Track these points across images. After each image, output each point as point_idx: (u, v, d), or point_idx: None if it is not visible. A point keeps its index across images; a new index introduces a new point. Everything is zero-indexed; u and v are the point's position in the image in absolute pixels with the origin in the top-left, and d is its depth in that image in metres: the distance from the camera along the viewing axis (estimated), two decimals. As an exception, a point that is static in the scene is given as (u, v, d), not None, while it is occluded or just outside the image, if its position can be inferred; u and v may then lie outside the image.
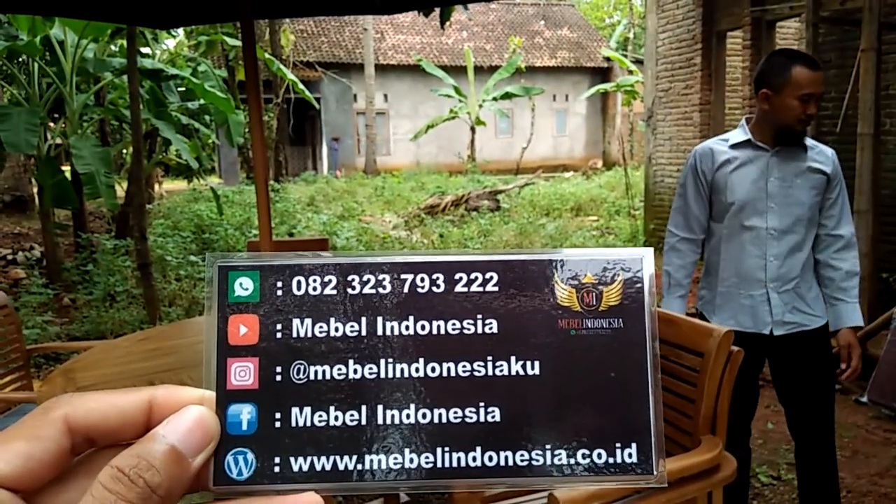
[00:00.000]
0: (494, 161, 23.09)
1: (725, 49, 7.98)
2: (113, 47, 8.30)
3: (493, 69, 22.47)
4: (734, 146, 2.36)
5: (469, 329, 0.38)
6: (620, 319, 0.39)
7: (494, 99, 21.35)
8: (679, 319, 2.18)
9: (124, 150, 12.96)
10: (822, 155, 2.35)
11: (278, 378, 0.38)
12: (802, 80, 2.21)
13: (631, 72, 19.14)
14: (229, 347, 0.38)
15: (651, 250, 0.40)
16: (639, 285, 0.39)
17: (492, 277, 0.39)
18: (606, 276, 0.39)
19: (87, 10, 3.41)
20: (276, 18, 15.34)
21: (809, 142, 2.33)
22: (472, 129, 22.27)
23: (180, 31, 15.52)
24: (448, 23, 5.44)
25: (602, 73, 25.33)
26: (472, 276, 0.39)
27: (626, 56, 20.82)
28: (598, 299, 0.39)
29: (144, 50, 9.13)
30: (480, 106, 21.95)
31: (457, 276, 0.39)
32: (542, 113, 24.53)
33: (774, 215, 2.33)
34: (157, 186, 15.25)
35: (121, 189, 8.62)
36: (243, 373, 0.38)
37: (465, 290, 0.39)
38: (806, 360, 2.38)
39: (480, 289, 0.39)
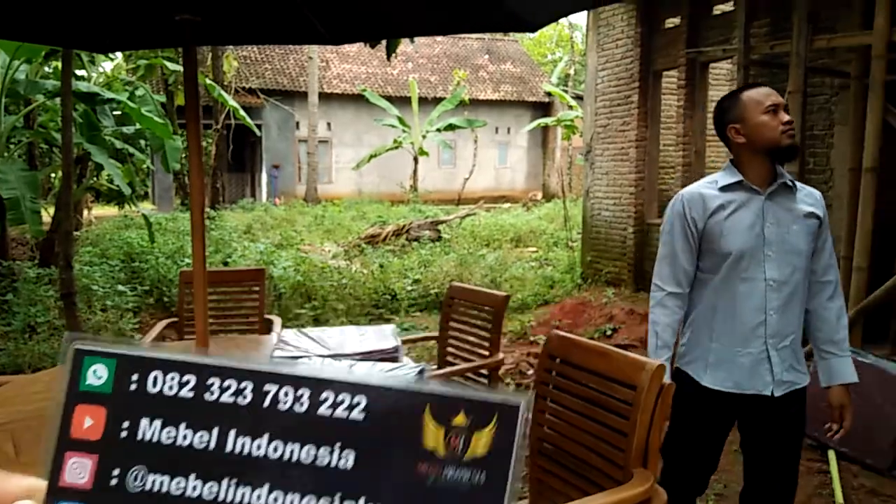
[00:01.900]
0: (437, 191, 23.18)
1: (661, 88, 8.23)
2: (47, 69, 8.01)
3: (438, 101, 22.68)
4: (724, 189, 2.16)
5: (324, 459, 0.35)
6: (483, 474, 0.35)
7: (438, 130, 21.51)
8: (613, 352, 2.18)
9: (53, 175, 12.46)
10: (811, 197, 2.21)
11: (114, 482, 0.34)
12: (758, 96, 2.15)
13: (571, 107, 19.58)
14: (70, 440, 0.34)
15: (529, 398, 0.36)
16: (511, 436, 0.35)
17: (359, 403, 0.36)
18: (480, 419, 0.36)
19: (21, 31, 3.25)
20: (220, 45, 15.14)
21: (797, 183, 2.20)
22: (416, 160, 22.36)
23: (118, 53, 15.13)
24: (394, 55, 5.46)
25: (543, 108, 25.87)
26: (340, 398, 0.36)
27: (566, 92, 21.32)
28: (465, 445, 0.35)
29: (80, 72, 8.85)
30: (424, 137, 22.08)
31: (323, 396, 0.36)
32: (484, 145, 24.84)
33: (773, 265, 2.12)
34: (86, 212, 14.69)
35: (47, 215, 8.25)
36: (79, 470, 0.34)
37: (329, 412, 0.36)
38: (792, 421, 2.22)
39: (345, 414, 0.36)
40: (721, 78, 8.74)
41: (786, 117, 2.12)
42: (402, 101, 22.73)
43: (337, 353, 2.85)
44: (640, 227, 8.18)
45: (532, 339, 6.28)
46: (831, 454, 3.00)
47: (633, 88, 8.16)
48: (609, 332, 6.34)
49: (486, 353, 3.28)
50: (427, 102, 23.22)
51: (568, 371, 2.26)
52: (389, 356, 2.87)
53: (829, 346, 2.21)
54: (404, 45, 21.02)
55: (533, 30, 2.63)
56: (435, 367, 3.59)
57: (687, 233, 2.19)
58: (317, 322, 6.53)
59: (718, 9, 7.18)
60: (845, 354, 2.20)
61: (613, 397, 2.05)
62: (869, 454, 3.63)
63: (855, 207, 4.73)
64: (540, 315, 7.33)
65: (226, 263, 8.19)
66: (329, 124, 23.91)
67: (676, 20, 7.64)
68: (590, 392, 2.15)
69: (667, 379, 2.04)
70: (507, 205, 21.31)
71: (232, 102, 13.54)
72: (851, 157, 4.98)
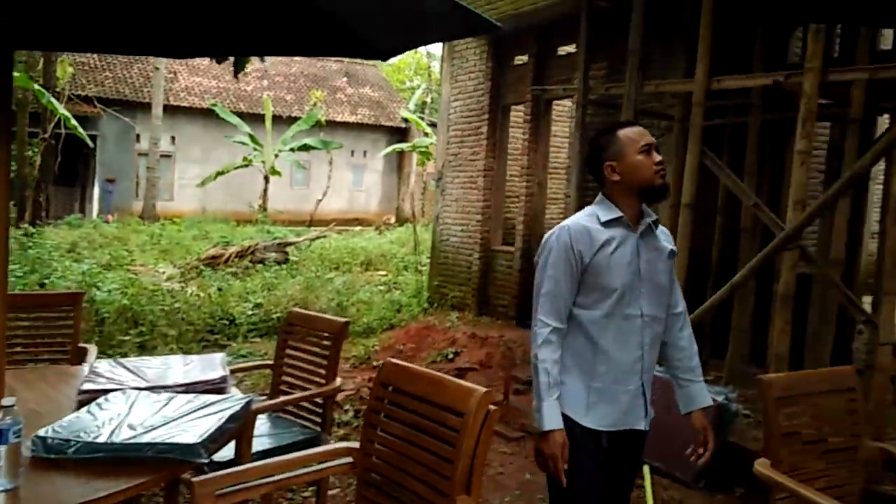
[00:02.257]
0: (288, 212, 22.60)
1: (509, 121, 8.53)
2: None
3: (293, 120, 22.23)
4: (606, 224, 2.16)
5: None
6: None
7: (292, 150, 21.04)
8: (444, 380, 2.16)
9: None
10: (665, 234, 2.30)
11: None
12: (634, 135, 2.18)
13: (426, 134, 19.91)
14: None
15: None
16: None
17: None
18: None
19: None
20: (48, 51, 13.87)
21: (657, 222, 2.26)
22: (266, 179, 21.69)
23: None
24: (245, 71, 5.23)
25: (400, 133, 26.11)
26: None
27: (422, 118, 21.66)
28: None
29: None
30: (276, 155, 21.50)
31: None
32: (339, 167, 24.62)
33: (646, 301, 2.17)
34: None
35: None
36: None
37: None
38: (640, 452, 2.31)
39: None
40: (564, 115, 9.22)
41: (658, 157, 2.17)
42: (254, 119, 22.04)
43: (155, 385, 2.60)
44: (486, 254, 8.37)
45: (375, 363, 6.19)
46: (646, 469, 3.16)
47: (484, 120, 8.39)
48: (451, 356, 6.39)
49: (323, 380, 3.16)
50: (281, 121, 22.68)
51: (400, 399, 2.20)
52: (215, 387, 2.66)
53: (687, 374, 2.31)
54: (256, 62, 20.44)
55: (384, 58, 2.58)
56: (265, 397, 3.40)
57: (573, 267, 2.13)
58: (143, 350, 6.04)
59: (563, 50, 7.56)
60: (700, 380, 2.32)
61: (443, 425, 2.03)
62: (677, 467, 3.88)
63: (675, 239, 5.11)
64: (385, 339, 7.26)
65: (42, 285, 7.41)
66: (173, 138, 22.65)
67: (525, 58, 7.97)
68: (420, 420, 2.11)
69: (557, 423, 2.07)
70: (359, 227, 21.19)
71: (63, 111, 12.45)
72: (672, 194, 5.39)
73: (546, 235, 2.24)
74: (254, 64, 20.74)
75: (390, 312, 8.40)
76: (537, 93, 7.56)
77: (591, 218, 2.19)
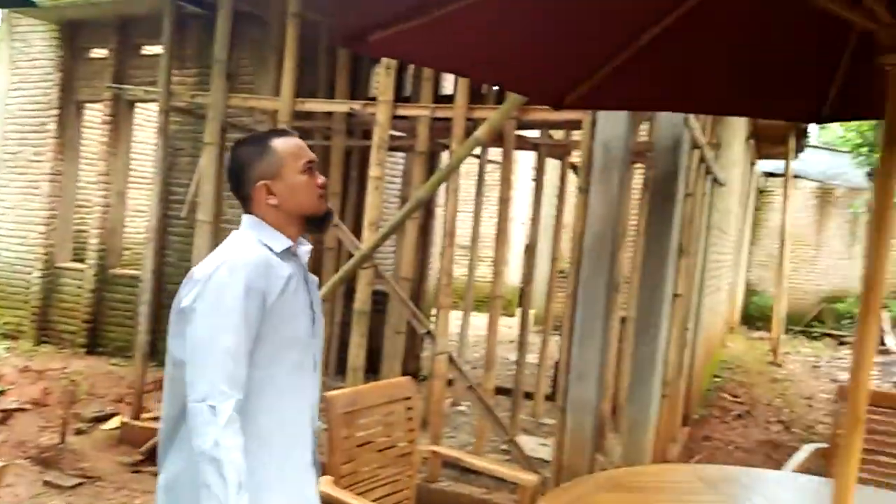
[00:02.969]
0: None
1: (83, 120, 7.54)
2: None
3: None
4: (282, 256, 1.71)
5: None
6: None
7: None
8: None
9: None
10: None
11: None
12: (294, 149, 1.75)
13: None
14: None
15: None
16: None
17: None
18: None
19: None
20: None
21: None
22: None
23: None
24: None
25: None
26: None
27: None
28: None
29: None
30: None
31: None
32: None
33: (317, 347, 1.81)
34: None
35: None
36: None
37: None
38: None
39: None
40: (153, 119, 8.51)
41: (321, 178, 1.77)
42: None
43: None
44: (49, 272, 7.21)
45: None
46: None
47: (51, 116, 7.27)
48: (-4, 395, 5.29)
49: None
50: None
51: None
52: None
53: None
54: None
55: None
56: None
57: (251, 313, 1.60)
58: None
59: (148, 49, 6.97)
60: None
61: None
62: None
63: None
64: None
65: None
66: None
67: (104, 52, 7.14)
68: None
69: None
70: None
71: None
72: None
73: (205, 269, 1.64)
74: None
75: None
76: (117, 92, 6.82)
77: (263, 246, 1.69)
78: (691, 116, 3.63)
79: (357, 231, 5.00)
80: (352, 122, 5.54)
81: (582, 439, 3.40)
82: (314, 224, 1.78)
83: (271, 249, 1.69)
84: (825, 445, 2.96)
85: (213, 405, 1.52)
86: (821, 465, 2.97)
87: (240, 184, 1.75)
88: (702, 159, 4.37)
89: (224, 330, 1.57)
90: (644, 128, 4.80)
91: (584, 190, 3.60)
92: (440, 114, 4.40)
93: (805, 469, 2.78)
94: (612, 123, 3.44)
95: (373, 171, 4.43)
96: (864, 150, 13.56)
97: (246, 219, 1.76)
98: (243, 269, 1.61)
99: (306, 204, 1.74)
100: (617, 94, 2.26)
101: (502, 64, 2.13)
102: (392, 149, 5.68)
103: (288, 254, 1.72)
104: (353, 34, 1.81)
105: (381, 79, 4.41)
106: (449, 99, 4.54)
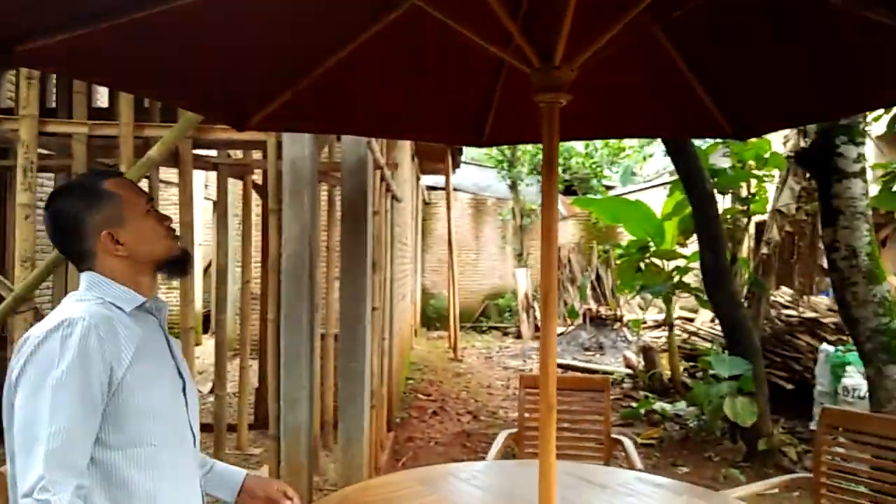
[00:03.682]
0: None
1: None
2: None
3: None
4: (133, 315, 1.48)
5: None
6: None
7: None
8: None
9: None
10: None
11: None
12: (132, 189, 1.56)
13: None
14: None
15: None
16: None
17: None
18: None
19: None
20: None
21: None
22: None
23: None
24: None
25: None
26: None
27: None
28: None
29: None
30: None
31: None
32: None
33: (193, 415, 1.58)
34: None
35: None
36: None
37: None
38: None
39: None
40: None
41: (169, 220, 1.59)
42: None
43: None
44: None
45: None
46: None
47: None
48: None
49: None
50: None
51: None
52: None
53: (204, 466, 1.72)
54: None
55: None
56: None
57: (95, 387, 1.34)
58: None
59: None
60: (213, 459, 1.79)
61: None
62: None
63: None
64: None
65: None
66: None
67: None
68: None
69: None
70: None
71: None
72: None
73: (34, 335, 1.37)
74: None
75: None
76: None
77: (109, 307, 1.46)
78: (373, 139, 3.77)
79: (3, 268, 4.22)
80: None
81: (298, 465, 3.31)
82: (172, 268, 1.59)
83: (121, 309, 1.48)
84: (514, 430, 3.30)
85: (44, 498, 1.25)
86: (513, 447, 3.32)
87: (74, 240, 1.51)
88: (382, 178, 4.58)
89: (53, 409, 1.30)
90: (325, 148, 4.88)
91: (275, 211, 3.51)
92: (102, 132, 3.93)
93: (502, 453, 3.09)
94: (298, 144, 3.42)
95: (21, 198, 3.78)
96: (505, 165, 15.69)
97: (85, 277, 1.51)
98: (86, 334, 1.36)
99: (159, 248, 1.56)
100: (301, 116, 2.28)
101: (182, 83, 1.99)
102: (41, 169, 4.92)
103: (142, 312, 1.52)
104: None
105: (23, 90, 3.79)
106: (105, 112, 4.09)
